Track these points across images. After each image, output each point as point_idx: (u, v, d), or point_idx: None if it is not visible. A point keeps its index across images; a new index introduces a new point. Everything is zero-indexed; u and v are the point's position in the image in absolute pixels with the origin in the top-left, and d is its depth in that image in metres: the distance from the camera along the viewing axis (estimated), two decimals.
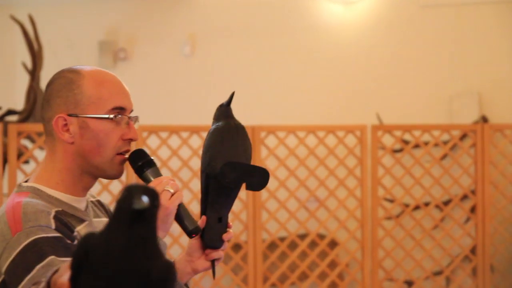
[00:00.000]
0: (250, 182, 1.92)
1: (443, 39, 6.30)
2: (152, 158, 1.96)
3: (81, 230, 1.91)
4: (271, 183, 5.53)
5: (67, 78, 1.92)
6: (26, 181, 1.96)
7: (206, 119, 6.15)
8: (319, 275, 5.48)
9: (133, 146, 2.00)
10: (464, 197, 5.62)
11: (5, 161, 5.02)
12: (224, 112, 1.98)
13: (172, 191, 1.88)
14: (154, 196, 1.20)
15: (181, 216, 1.94)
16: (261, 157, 5.23)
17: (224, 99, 2.00)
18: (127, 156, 1.94)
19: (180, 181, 5.21)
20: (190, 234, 1.96)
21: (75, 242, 1.84)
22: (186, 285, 2.08)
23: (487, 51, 6.24)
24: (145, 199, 1.18)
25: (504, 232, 5.57)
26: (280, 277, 5.45)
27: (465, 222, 5.71)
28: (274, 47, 6.52)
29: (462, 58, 6.26)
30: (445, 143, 5.66)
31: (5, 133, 5.02)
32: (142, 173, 1.95)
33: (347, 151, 5.40)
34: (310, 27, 6.47)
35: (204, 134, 5.32)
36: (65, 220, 1.88)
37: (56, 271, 1.40)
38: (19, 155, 5.01)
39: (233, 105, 1.99)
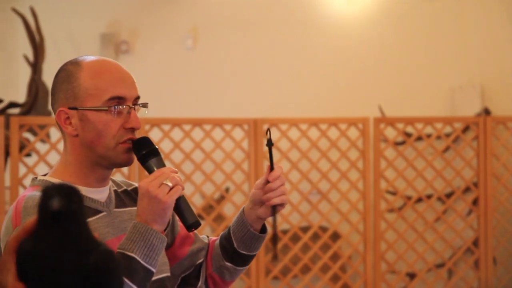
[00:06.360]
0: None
1: (446, 31, 6.29)
2: (156, 147, 1.94)
3: (93, 221, 1.91)
4: None
5: (67, 71, 1.94)
6: (44, 175, 1.97)
7: (208, 111, 6.17)
8: (322, 267, 5.48)
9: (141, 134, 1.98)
10: (467, 189, 5.62)
11: (7, 154, 5.02)
12: None
13: (170, 185, 1.85)
14: (70, 194, 1.20)
15: (181, 209, 1.91)
16: (263, 150, 5.23)
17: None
18: (130, 144, 1.94)
19: (183, 174, 5.21)
20: (189, 227, 1.92)
21: None
22: (262, 228, 2.19)
23: (490, 43, 6.22)
24: (56, 201, 1.19)
25: (506, 224, 5.56)
26: (283, 269, 5.45)
27: (467, 215, 5.70)
28: (276, 40, 6.51)
29: (464, 51, 6.24)
30: (448, 135, 5.66)
31: (7, 126, 5.01)
32: (145, 162, 1.93)
33: (350, 144, 5.39)
34: (313, 20, 6.46)
35: (207, 127, 5.32)
36: None
37: None
38: (21, 148, 5.01)
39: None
